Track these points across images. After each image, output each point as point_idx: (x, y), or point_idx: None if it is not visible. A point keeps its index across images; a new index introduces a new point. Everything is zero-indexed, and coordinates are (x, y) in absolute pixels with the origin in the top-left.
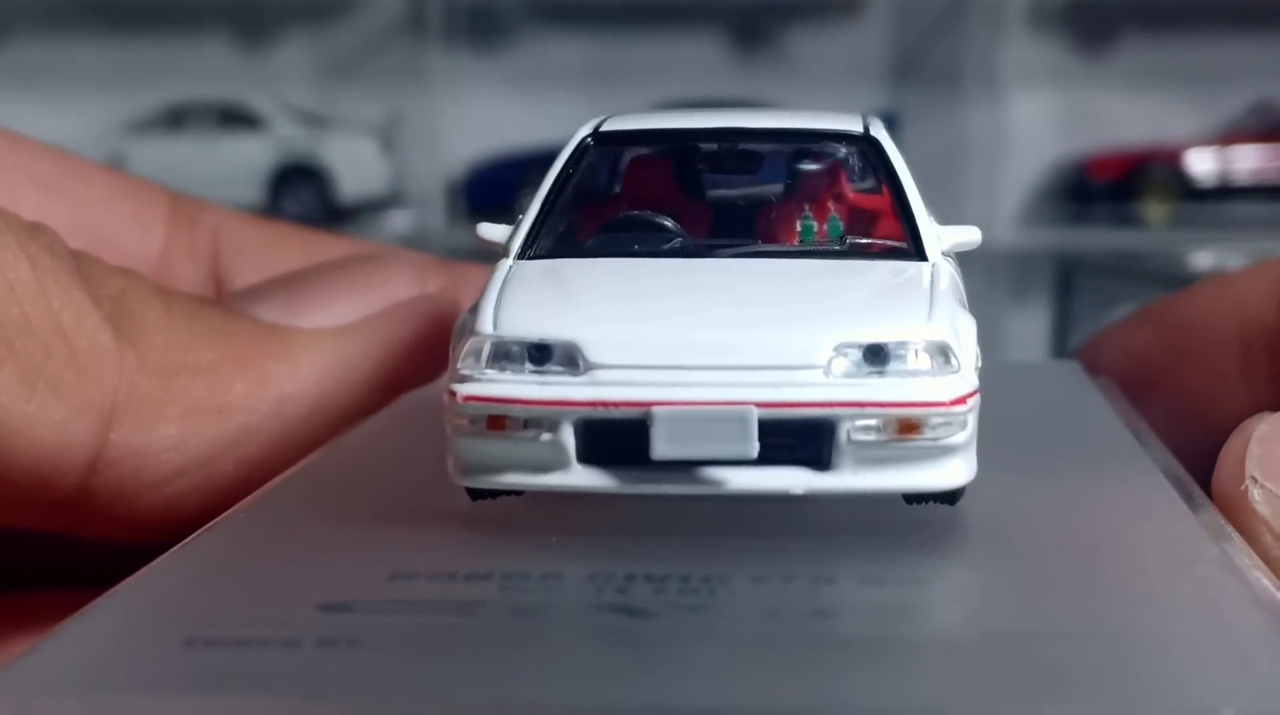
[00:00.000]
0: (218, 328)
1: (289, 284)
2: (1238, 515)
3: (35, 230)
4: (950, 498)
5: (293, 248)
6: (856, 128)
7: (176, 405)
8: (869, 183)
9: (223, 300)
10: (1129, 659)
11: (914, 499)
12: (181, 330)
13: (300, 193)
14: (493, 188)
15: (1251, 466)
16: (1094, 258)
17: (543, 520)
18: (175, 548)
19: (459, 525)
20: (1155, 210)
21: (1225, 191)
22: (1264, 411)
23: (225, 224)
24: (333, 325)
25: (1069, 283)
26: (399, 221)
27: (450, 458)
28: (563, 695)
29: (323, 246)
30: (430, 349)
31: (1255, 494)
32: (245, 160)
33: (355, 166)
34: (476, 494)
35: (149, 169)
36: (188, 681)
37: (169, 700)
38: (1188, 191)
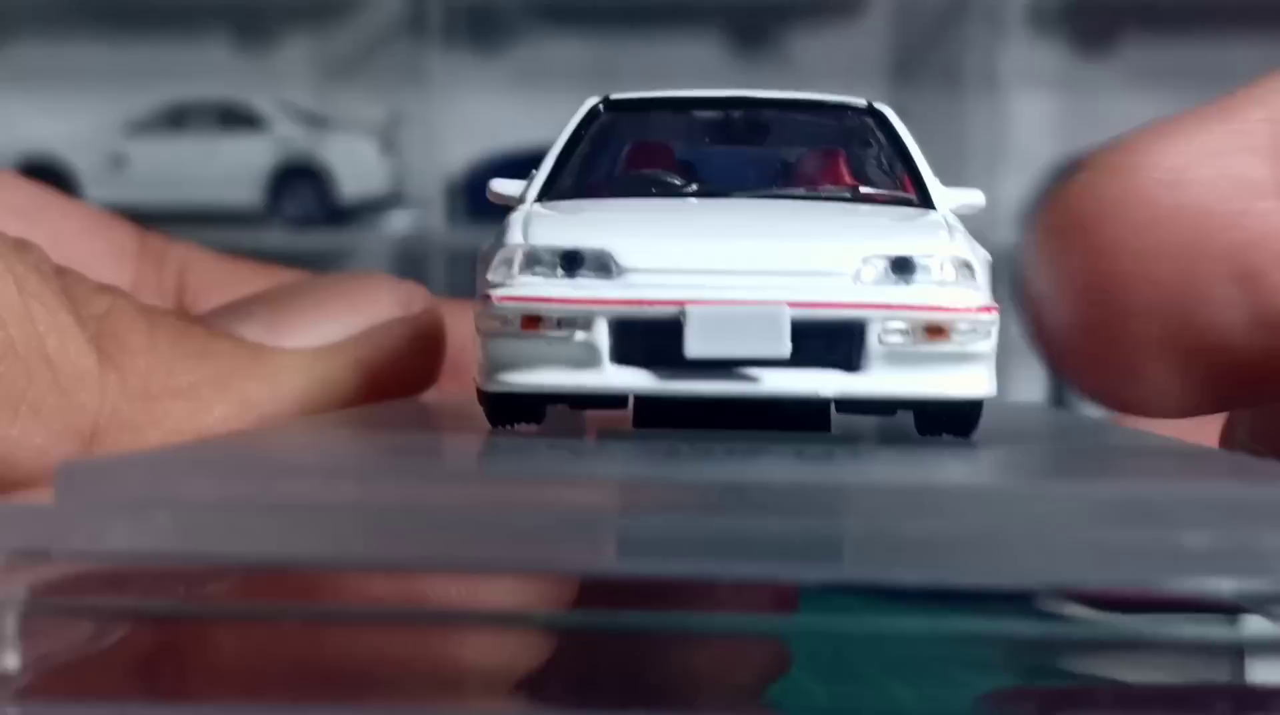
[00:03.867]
0: (200, 348)
1: (273, 302)
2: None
3: (21, 249)
4: (965, 427)
5: (259, 284)
6: (860, 101)
7: (157, 428)
8: (874, 158)
9: (207, 317)
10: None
11: (927, 429)
12: (164, 352)
13: (300, 193)
14: None
15: (1241, 431)
16: None
17: (571, 434)
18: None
19: (484, 432)
20: None
21: None
22: None
23: (192, 260)
24: (316, 344)
25: None
26: (399, 221)
27: (480, 363)
28: (598, 472)
29: (289, 281)
30: (414, 369)
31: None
32: (245, 160)
33: (355, 166)
34: (496, 416)
35: (149, 169)
36: (262, 474)
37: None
38: None
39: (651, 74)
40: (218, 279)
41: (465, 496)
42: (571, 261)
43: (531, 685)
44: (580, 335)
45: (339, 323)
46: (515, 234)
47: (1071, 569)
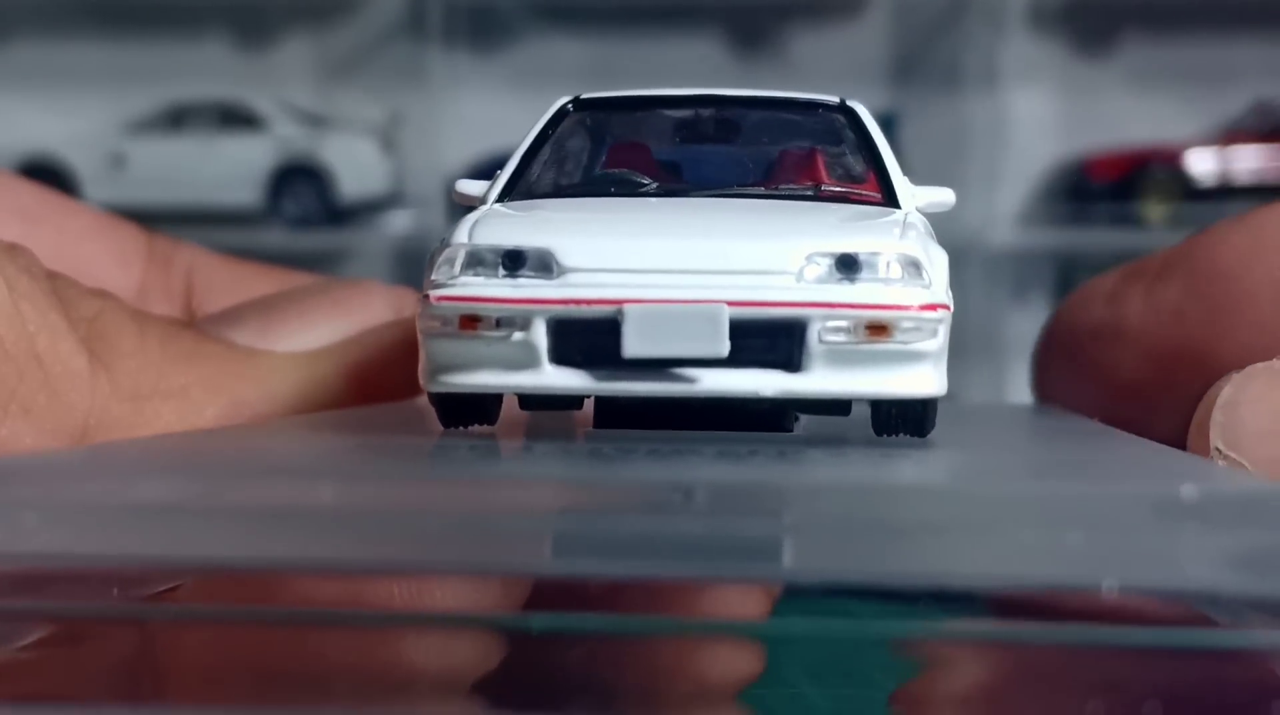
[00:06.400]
0: (191, 351)
1: (264, 307)
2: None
3: (12, 252)
4: (920, 427)
5: (265, 286)
6: (833, 99)
7: (147, 429)
8: (845, 156)
9: (198, 324)
10: (1088, 469)
11: (883, 429)
12: (155, 353)
13: (300, 193)
14: None
15: (1215, 437)
16: (1094, 257)
17: (513, 434)
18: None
19: (429, 434)
20: (1155, 210)
21: (1225, 191)
22: (1231, 372)
23: (199, 262)
24: (307, 348)
25: (1069, 283)
26: (399, 221)
27: (422, 363)
28: (530, 473)
29: (295, 283)
30: (404, 373)
31: (1221, 466)
32: (245, 160)
33: (355, 166)
34: (447, 416)
35: (149, 169)
36: (204, 478)
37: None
38: (1188, 191)
39: (651, 74)
40: (225, 281)
41: (396, 499)
42: (513, 260)
43: (485, 688)
44: (518, 335)
45: (330, 327)
46: (461, 233)
47: (1003, 569)
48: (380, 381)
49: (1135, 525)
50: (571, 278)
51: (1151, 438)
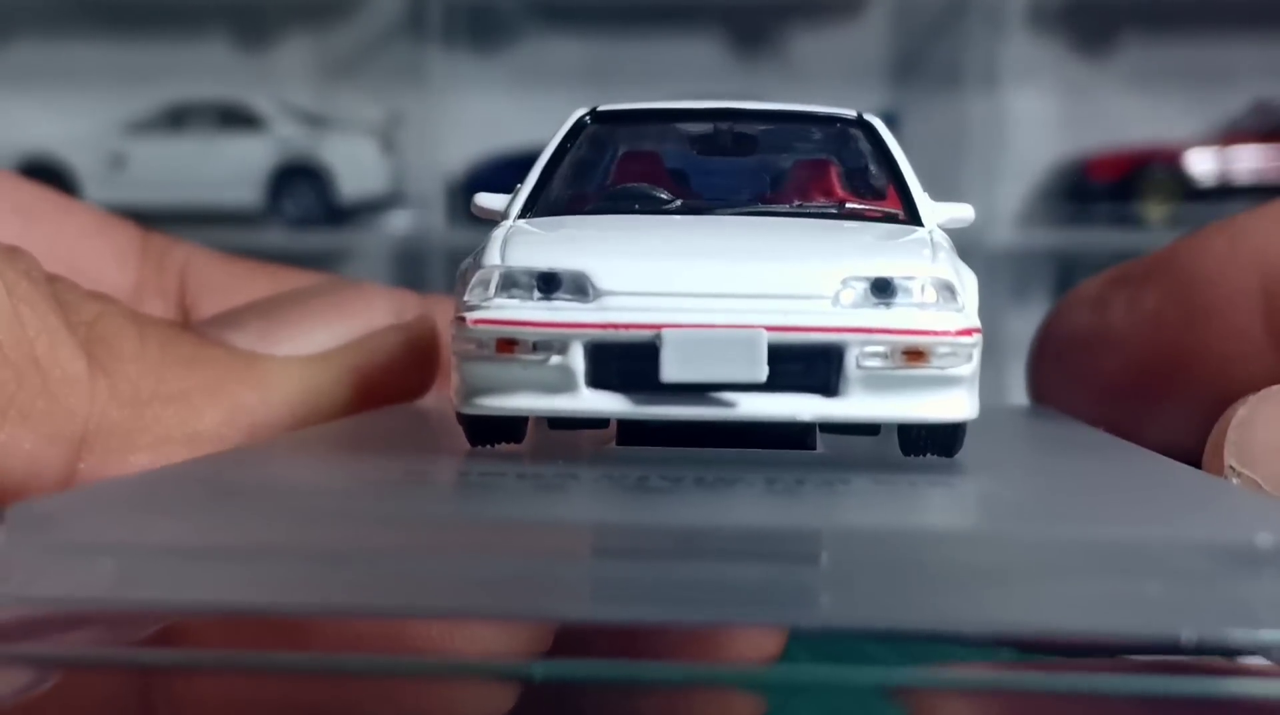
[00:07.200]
0: (191, 355)
1: (265, 310)
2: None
3: (13, 255)
4: (949, 447)
5: (260, 284)
6: (850, 113)
7: (147, 434)
8: (863, 170)
9: (199, 326)
10: (1152, 508)
11: (911, 449)
12: (154, 358)
13: (300, 193)
14: (493, 188)
15: (1230, 455)
16: (1094, 258)
17: (548, 454)
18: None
19: (462, 453)
20: (1155, 210)
21: (1225, 191)
22: (1248, 394)
23: (194, 260)
24: (308, 352)
25: (1069, 283)
26: (399, 221)
27: (456, 385)
28: (577, 516)
29: (291, 281)
30: (405, 377)
31: (1235, 482)
32: (245, 160)
33: (355, 166)
34: (476, 436)
35: (149, 169)
36: (217, 512)
37: (199, 524)
38: (1188, 191)
39: (651, 74)
40: (220, 279)
41: (430, 542)
42: (549, 283)
43: None
44: (556, 359)
45: (331, 330)
46: (493, 254)
47: (1037, 616)
48: (381, 386)
49: (1204, 573)
50: (608, 301)
51: (1143, 445)
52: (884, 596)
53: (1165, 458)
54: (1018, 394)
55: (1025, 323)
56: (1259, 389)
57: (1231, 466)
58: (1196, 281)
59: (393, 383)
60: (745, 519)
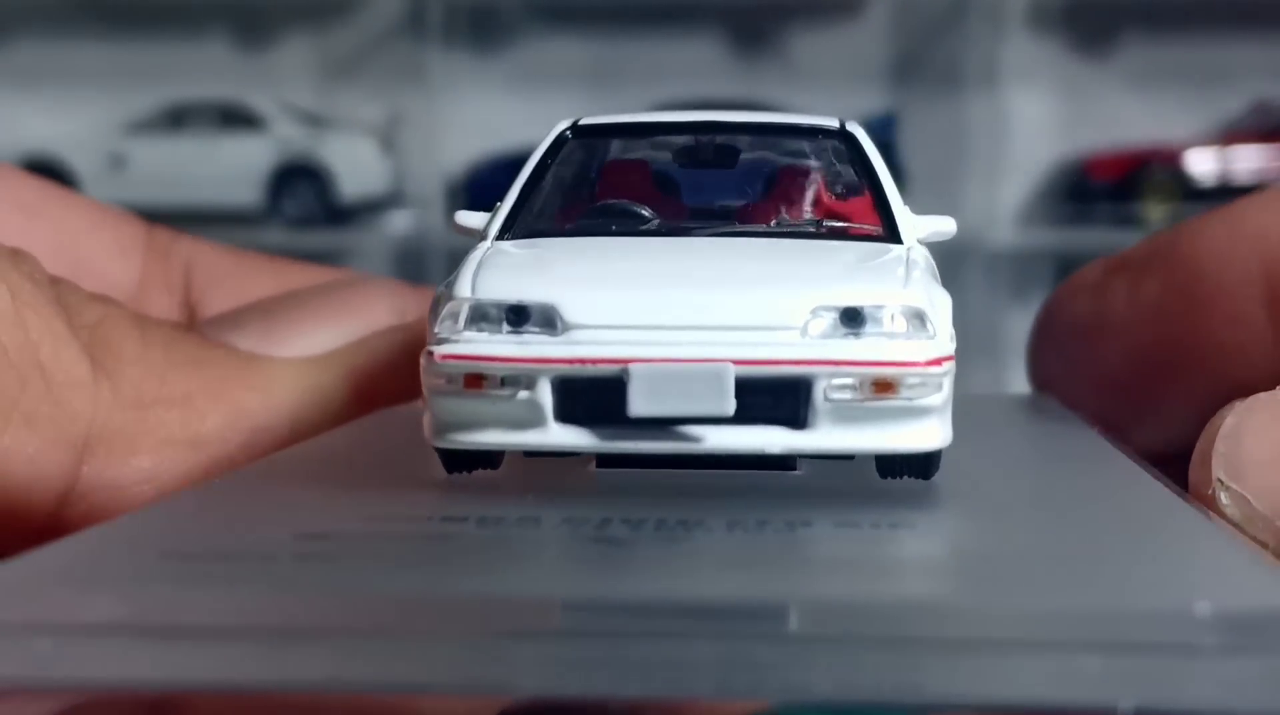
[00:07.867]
0: (193, 357)
1: (267, 311)
2: (1213, 517)
3: (16, 258)
4: (924, 471)
5: (265, 278)
6: (833, 123)
7: (150, 437)
8: (844, 183)
9: (200, 327)
10: (1101, 569)
11: (888, 472)
12: (157, 361)
13: (300, 193)
14: (493, 188)
15: (1218, 468)
16: (1094, 257)
17: (519, 484)
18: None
19: (434, 485)
20: (1155, 210)
21: (1225, 191)
22: (1234, 401)
23: (199, 254)
24: (309, 353)
25: None
26: (399, 221)
27: (427, 419)
28: (536, 588)
29: (296, 276)
30: (408, 378)
31: (1223, 497)
32: (245, 160)
33: (355, 166)
34: (452, 465)
35: (149, 169)
36: (164, 582)
37: (144, 597)
38: (1188, 191)
39: (651, 74)
40: (225, 273)
41: (377, 622)
42: (518, 315)
43: None
44: (524, 394)
45: (333, 331)
46: (464, 285)
47: (1014, 689)
48: (383, 386)
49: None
50: (576, 334)
51: (1140, 436)
52: (846, 670)
53: (1146, 474)
54: (1018, 391)
55: (1025, 323)
56: (1259, 377)
57: (1219, 480)
58: (1197, 267)
59: (394, 383)
60: (704, 588)
